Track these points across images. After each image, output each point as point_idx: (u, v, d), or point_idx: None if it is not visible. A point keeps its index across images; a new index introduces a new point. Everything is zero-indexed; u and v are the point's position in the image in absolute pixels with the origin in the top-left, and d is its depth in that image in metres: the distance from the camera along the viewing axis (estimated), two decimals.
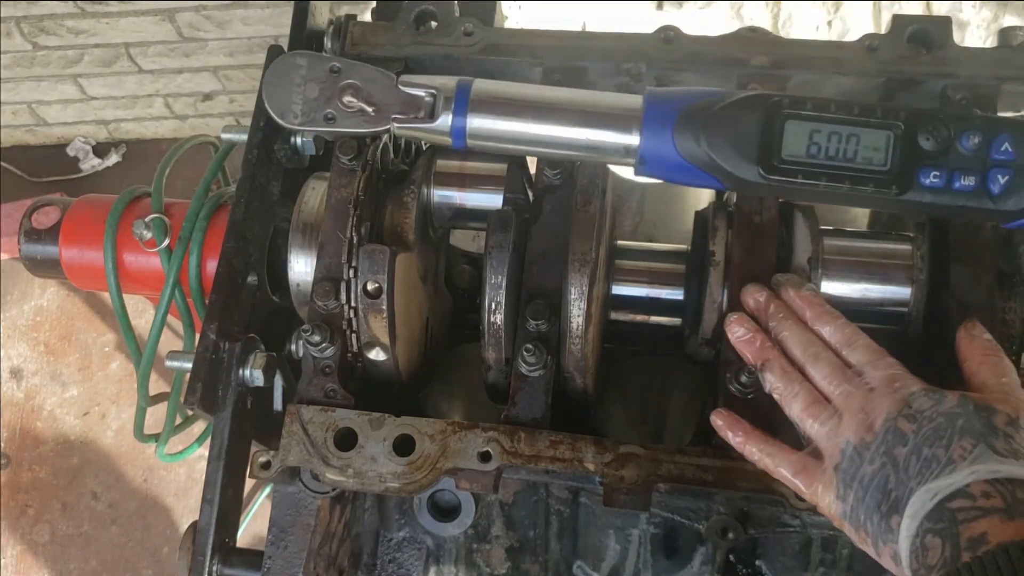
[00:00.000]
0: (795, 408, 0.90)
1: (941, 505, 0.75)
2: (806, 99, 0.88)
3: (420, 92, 0.87)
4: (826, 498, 0.85)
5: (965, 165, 0.86)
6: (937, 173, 0.86)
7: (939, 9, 2.73)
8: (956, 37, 1.08)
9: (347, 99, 0.86)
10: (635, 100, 0.90)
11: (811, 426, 0.88)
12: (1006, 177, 0.85)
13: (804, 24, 2.64)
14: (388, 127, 0.86)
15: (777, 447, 0.90)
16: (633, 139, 0.88)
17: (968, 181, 0.86)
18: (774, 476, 0.90)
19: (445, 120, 0.87)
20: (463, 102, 0.87)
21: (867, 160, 0.86)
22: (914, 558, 0.76)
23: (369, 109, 0.85)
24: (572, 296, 0.98)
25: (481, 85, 0.89)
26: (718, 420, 0.94)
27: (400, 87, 0.87)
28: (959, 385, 0.88)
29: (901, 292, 1.05)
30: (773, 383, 0.92)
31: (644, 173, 0.92)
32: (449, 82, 0.89)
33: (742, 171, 0.87)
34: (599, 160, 0.92)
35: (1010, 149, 0.85)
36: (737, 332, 0.96)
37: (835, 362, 0.90)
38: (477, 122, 0.88)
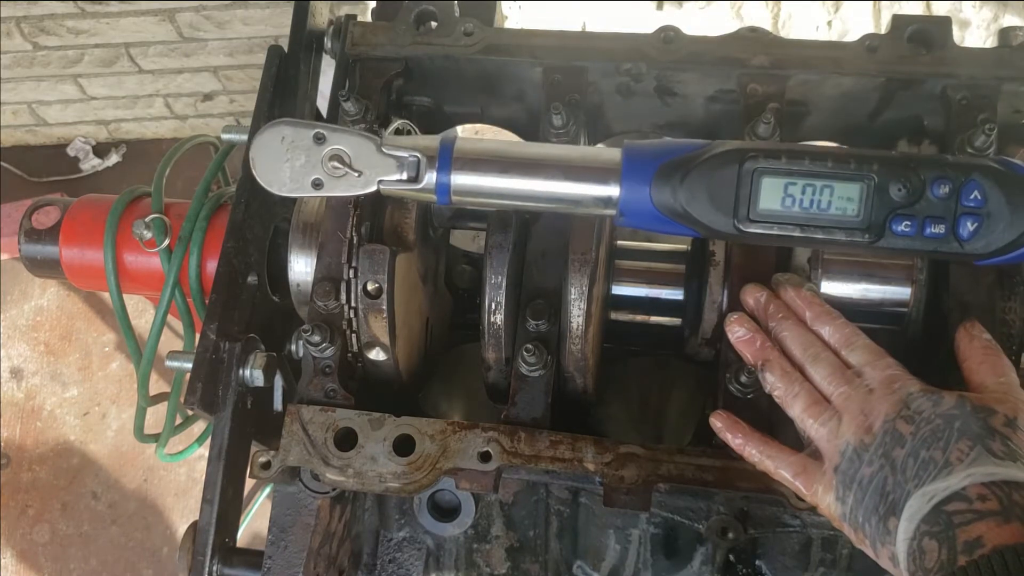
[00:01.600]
0: (796, 408, 0.90)
1: (938, 508, 0.75)
2: (780, 151, 0.89)
3: (404, 154, 0.89)
4: (826, 499, 0.86)
5: (935, 212, 0.88)
6: (908, 222, 0.88)
7: (939, 9, 2.73)
8: (956, 37, 1.08)
9: (333, 164, 0.88)
10: (614, 154, 0.91)
11: (812, 427, 0.88)
12: (975, 224, 0.87)
13: (804, 24, 2.64)
14: (375, 188, 0.89)
15: (777, 448, 0.90)
16: (613, 191, 0.90)
17: (939, 229, 0.88)
18: (774, 478, 0.90)
19: (430, 179, 0.89)
20: (446, 161, 0.89)
21: (841, 210, 0.88)
22: (911, 561, 0.76)
23: (355, 174, 0.87)
24: (572, 296, 0.98)
25: (463, 144, 0.90)
26: (717, 422, 0.94)
27: (384, 151, 0.89)
28: (959, 385, 0.88)
29: (901, 292, 1.05)
30: (773, 383, 0.92)
31: (624, 224, 0.94)
32: (432, 143, 0.90)
33: (718, 224, 0.89)
34: (581, 213, 0.94)
35: (979, 196, 0.87)
36: (737, 332, 0.96)
37: (835, 363, 0.90)
38: (460, 179, 0.90)
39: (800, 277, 0.99)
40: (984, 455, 0.76)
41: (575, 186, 0.90)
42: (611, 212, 0.91)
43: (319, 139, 0.88)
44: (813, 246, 0.96)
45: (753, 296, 0.98)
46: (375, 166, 0.89)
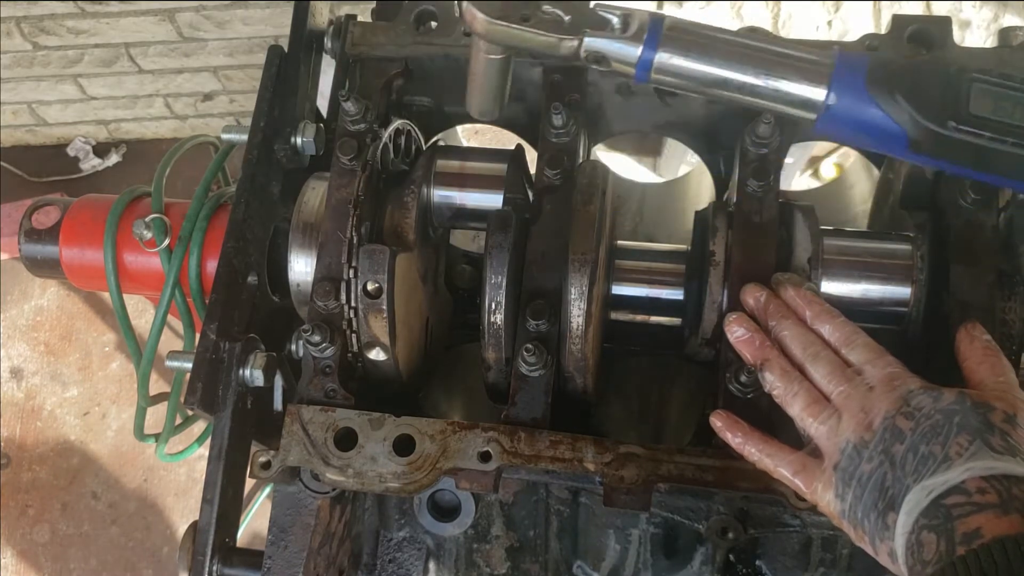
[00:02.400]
0: (795, 407, 0.90)
1: (936, 502, 0.75)
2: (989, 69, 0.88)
3: (614, 17, 0.87)
4: (825, 497, 0.86)
5: None
6: None
7: (939, 9, 2.72)
8: (956, 37, 1.08)
9: (546, 6, 0.87)
10: (825, 54, 0.89)
11: (811, 425, 0.89)
12: None
13: (804, 24, 2.63)
14: (577, 42, 0.86)
15: (776, 447, 0.91)
16: (819, 92, 0.88)
17: None
18: (774, 476, 0.90)
19: (633, 51, 0.86)
20: (655, 36, 0.86)
21: None
22: (910, 554, 0.76)
23: (566, 17, 0.86)
24: (572, 296, 0.98)
25: (674, 22, 0.88)
26: (717, 421, 0.94)
27: (595, 7, 0.88)
28: (959, 384, 0.88)
29: (901, 292, 1.05)
30: (773, 383, 0.92)
31: (824, 130, 0.90)
32: (643, 15, 0.88)
33: (932, 121, 0.87)
34: (778, 110, 0.90)
35: None
36: (736, 332, 0.96)
37: (835, 361, 0.90)
38: (665, 58, 0.87)
39: (800, 277, 0.99)
40: (983, 449, 0.77)
41: (782, 82, 0.87)
42: (810, 115, 0.88)
43: None
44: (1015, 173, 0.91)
45: (753, 296, 0.98)
46: (583, 18, 0.87)
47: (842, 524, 0.85)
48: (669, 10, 2.72)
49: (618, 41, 0.86)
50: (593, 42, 0.87)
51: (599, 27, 0.86)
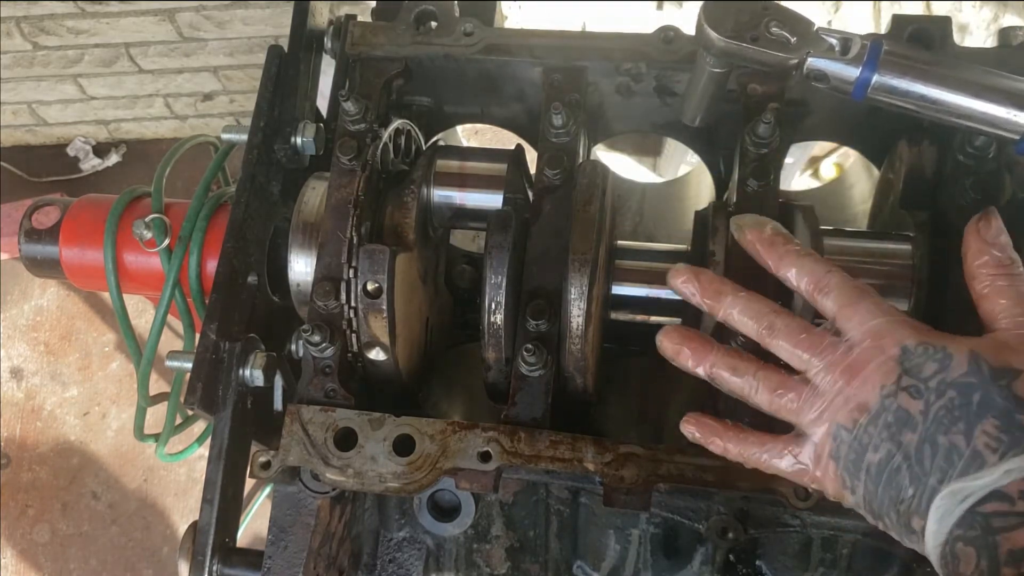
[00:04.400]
0: (762, 399, 0.78)
1: (973, 510, 0.65)
2: None
3: (833, 40, 0.94)
4: (830, 487, 0.76)
5: None
6: None
7: (939, 9, 2.73)
8: (956, 37, 1.08)
9: (774, 28, 0.93)
10: None
11: (789, 412, 0.77)
12: None
13: None
14: (802, 58, 0.93)
15: (757, 439, 0.80)
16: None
17: None
18: (766, 471, 0.81)
19: (852, 72, 0.92)
20: (874, 58, 0.92)
21: None
22: (943, 565, 0.67)
23: (792, 39, 0.93)
24: (572, 296, 0.98)
25: (892, 46, 0.94)
26: (690, 428, 0.84)
27: (818, 31, 0.95)
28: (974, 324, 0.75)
29: (901, 292, 1.05)
30: (729, 384, 0.81)
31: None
32: (860, 38, 0.94)
33: None
34: (984, 131, 0.95)
35: None
36: (668, 349, 0.85)
37: (798, 326, 0.77)
38: (882, 79, 0.92)
39: (761, 218, 0.87)
40: (1020, 442, 0.65)
41: (991, 107, 0.91)
42: (1014, 136, 0.91)
43: (766, 10, 0.94)
44: None
45: (680, 280, 0.85)
46: (807, 40, 0.93)
47: (860, 510, 0.75)
48: (669, 11, 2.72)
49: (839, 62, 0.92)
50: (816, 62, 0.93)
51: (821, 48, 0.93)
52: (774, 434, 0.80)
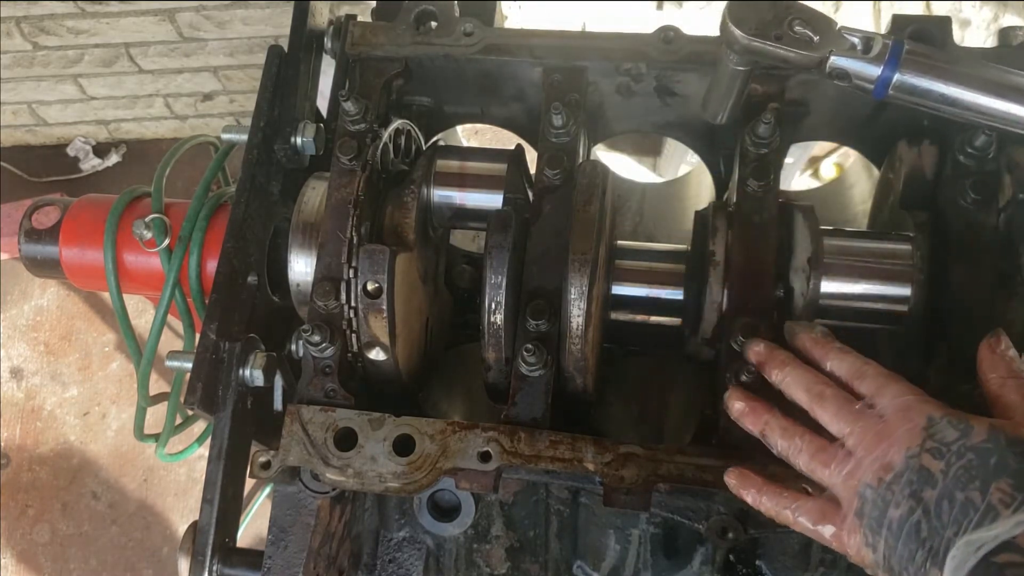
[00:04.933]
0: (802, 461, 0.86)
1: (987, 560, 0.68)
2: None
3: (856, 39, 0.95)
4: (852, 545, 0.81)
5: None
6: None
7: (939, 9, 2.72)
8: (956, 37, 1.08)
9: (797, 27, 0.94)
10: None
11: (822, 474, 0.84)
12: None
13: None
14: (825, 57, 0.94)
15: (791, 497, 0.87)
16: None
17: None
18: (794, 528, 0.86)
19: (874, 70, 0.94)
20: (895, 58, 0.93)
21: None
22: None
23: (815, 38, 0.94)
24: (572, 296, 0.98)
25: (913, 47, 0.95)
26: (731, 479, 0.91)
27: (841, 30, 0.96)
28: (967, 392, 0.84)
29: (901, 292, 1.05)
30: (776, 444, 0.89)
31: None
32: (882, 38, 0.96)
33: None
34: (1003, 129, 0.96)
35: None
36: (736, 407, 0.93)
37: (842, 398, 0.86)
38: (903, 78, 0.93)
39: (811, 323, 0.97)
40: None
41: (1012, 107, 0.92)
42: None
43: (788, 8, 0.95)
44: None
45: (754, 351, 0.96)
46: (830, 39, 0.94)
47: (876, 570, 0.80)
48: (669, 11, 2.72)
49: (861, 61, 0.93)
50: (838, 60, 0.94)
51: (843, 47, 0.94)
52: (807, 494, 0.87)
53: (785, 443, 0.88)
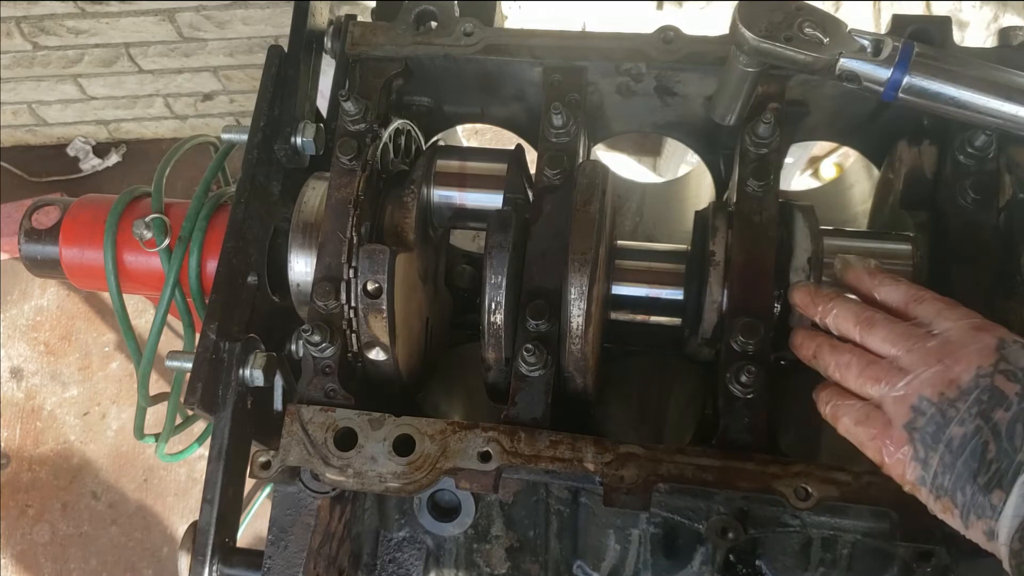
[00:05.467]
0: (851, 375, 0.84)
1: None
2: None
3: (866, 41, 0.95)
4: (893, 455, 0.79)
5: None
6: None
7: (939, 9, 2.72)
8: (956, 37, 1.08)
9: (807, 29, 0.94)
10: None
11: (872, 389, 0.82)
12: None
13: None
14: (835, 58, 0.94)
15: (842, 392, 0.85)
16: None
17: None
18: (831, 421, 0.85)
19: (884, 73, 0.94)
20: (905, 60, 0.93)
21: None
22: (1018, 538, 0.69)
23: (825, 40, 0.94)
24: (572, 296, 0.98)
25: (922, 49, 0.95)
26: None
27: (851, 32, 0.96)
28: None
29: None
30: (825, 363, 0.87)
31: None
32: (891, 40, 0.96)
33: None
34: (1010, 130, 0.96)
35: None
36: (796, 342, 0.93)
37: (894, 322, 0.83)
38: (912, 80, 0.94)
39: (861, 257, 0.96)
40: None
41: (1021, 110, 0.92)
42: None
43: (800, 10, 0.95)
44: None
45: (798, 292, 0.95)
46: (839, 41, 0.94)
47: (917, 491, 0.78)
48: (669, 11, 2.72)
49: (871, 63, 0.94)
50: (848, 63, 0.94)
51: (853, 49, 0.94)
52: (856, 395, 0.84)
53: (833, 359, 0.85)
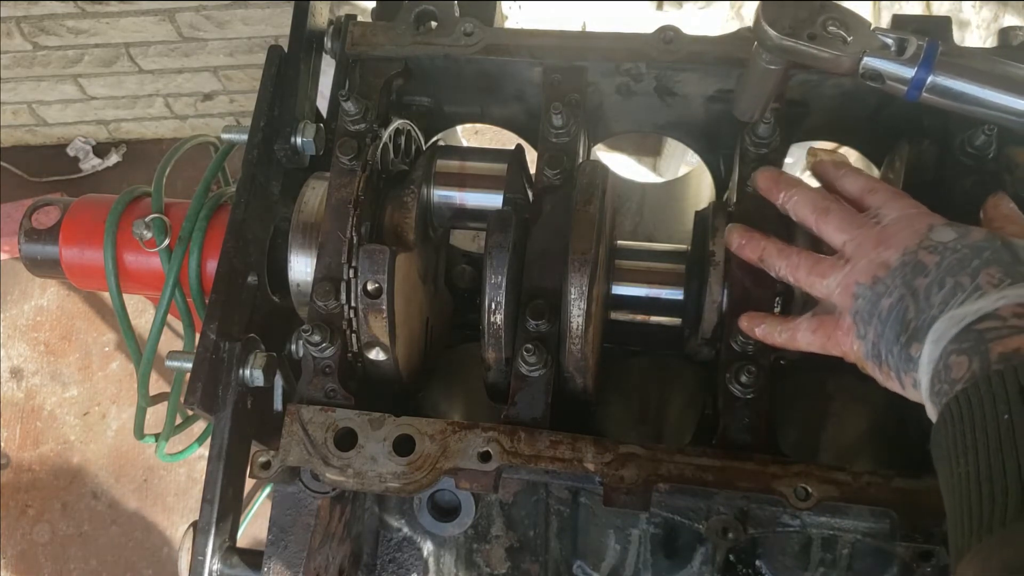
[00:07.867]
0: (801, 275, 0.89)
1: (968, 328, 0.71)
2: None
3: (890, 40, 0.95)
4: (847, 342, 0.84)
5: None
6: None
7: (939, 9, 2.72)
8: (956, 37, 1.08)
9: (831, 27, 0.94)
10: None
11: (821, 286, 0.87)
12: None
13: None
14: (858, 57, 0.94)
15: (787, 320, 0.91)
16: None
17: None
18: (795, 347, 0.90)
19: (908, 72, 0.93)
20: (930, 59, 0.93)
21: None
22: (936, 379, 0.73)
23: (849, 38, 0.93)
24: (572, 296, 0.98)
25: (947, 48, 0.94)
26: (743, 323, 0.95)
27: (875, 31, 0.96)
28: None
29: None
30: (775, 265, 0.92)
31: None
32: (916, 39, 0.95)
33: None
34: None
35: None
36: (735, 242, 0.97)
37: (846, 210, 0.88)
38: (937, 79, 0.93)
39: (832, 151, 0.99)
40: (1020, 282, 0.72)
41: None
42: None
43: (822, 7, 0.95)
44: None
45: (763, 175, 0.98)
46: (863, 40, 0.94)
47: (866, 366, 0.83)
48: (669, 11, 2.72)
49: (895, 62, 0.93)
50: (872, 61, 0.94)
51: (876, 47, 0.94)
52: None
53: (783, 261, 0.91)
